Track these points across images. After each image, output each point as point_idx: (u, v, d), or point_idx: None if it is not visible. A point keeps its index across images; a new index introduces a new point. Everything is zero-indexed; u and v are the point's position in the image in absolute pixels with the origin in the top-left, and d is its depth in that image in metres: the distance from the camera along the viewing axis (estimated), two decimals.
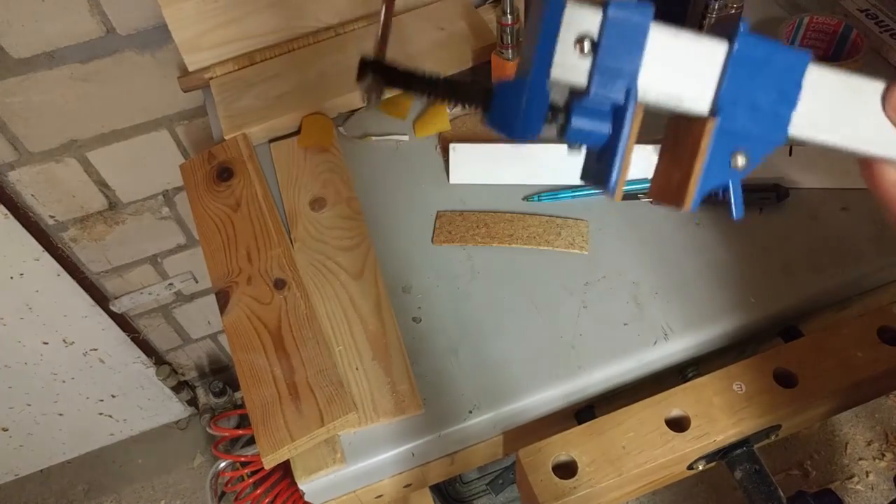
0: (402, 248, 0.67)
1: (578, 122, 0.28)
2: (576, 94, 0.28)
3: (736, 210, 0.29)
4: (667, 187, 0.29)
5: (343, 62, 0.80)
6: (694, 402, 0.54)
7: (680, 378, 0.61)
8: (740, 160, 0.28)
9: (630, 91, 0.27)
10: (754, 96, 0.28)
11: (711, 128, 0.28)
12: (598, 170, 0.29)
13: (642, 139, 0.29)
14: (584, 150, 0.30)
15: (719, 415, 0.54)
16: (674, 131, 0.30)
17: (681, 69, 0.27)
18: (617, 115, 0.28)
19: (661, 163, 0.30)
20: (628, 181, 0.68)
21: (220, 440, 1.21)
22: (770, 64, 0.27)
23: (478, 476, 1.22)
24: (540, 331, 0.60)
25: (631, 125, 0.28)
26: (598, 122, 0.28)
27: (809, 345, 0.57)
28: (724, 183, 0.29)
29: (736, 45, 0.27)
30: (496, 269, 0.64)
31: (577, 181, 0.69)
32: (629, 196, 0.67)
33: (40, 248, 1.04)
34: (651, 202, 0.32)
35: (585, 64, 0.27)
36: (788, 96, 0.28)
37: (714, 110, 0.28)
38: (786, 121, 0.28)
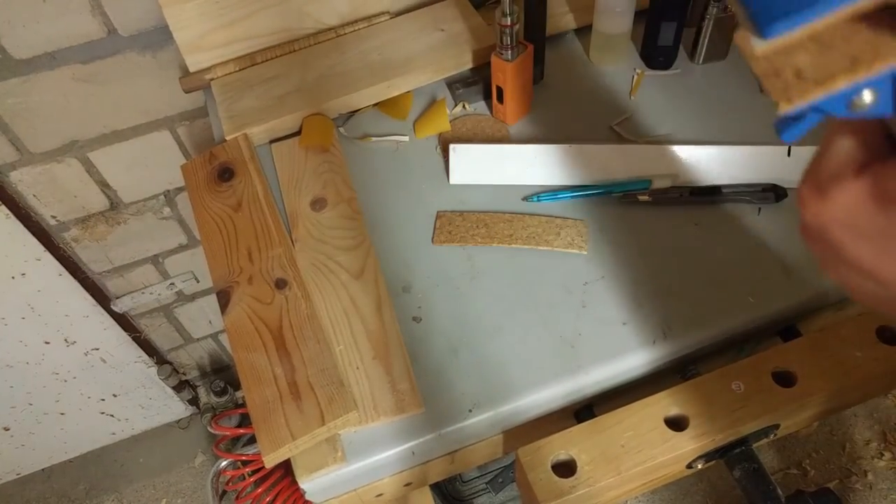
0: (402, 248, 0.67)
1: None
2: None
3: (788, 136, 0.24)
4: (782, 64, 0.22)
5: (343, 63, 0.81)
6: (693, 402, 0.55)
7: (679, 377, 0.61)
8: (867, 99, 0.22)
9: None
10: None
11: None
12: None
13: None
14: None
15: (718, 414, 0.54)
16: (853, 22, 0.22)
17: None
18: None
19: (803, 37, 0.22)
20: (628, 181, 0.68)
21: (221, 439, 1.22)
22: None
23: (478, 475, 1.22)
24: (540, 330, 0.60)
25: None
26: None
27: (808, 344, 0.57)
28: (827, 110, 0.23)
29: None
30: (496, 269, 0.65)
31: (577, 181, 0.70)
32: (629, 196, 0.68)
33: (42, 248, 1.05)
34: (752, 71, 0.22)
35: None
36: None
37: None
38: None
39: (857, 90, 0.22)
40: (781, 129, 0.24)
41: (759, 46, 0.21)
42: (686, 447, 0.53)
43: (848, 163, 0.27)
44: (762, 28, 0.21)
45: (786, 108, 0.22)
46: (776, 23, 0.20)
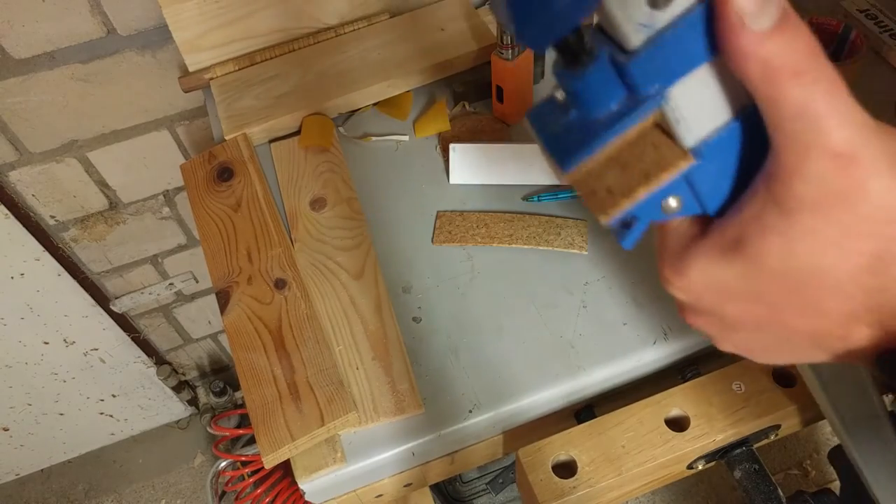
0: (402, 248, 0.67)
1: (598, 76, 0.24)
2: (612, 46, 0.24)
3: (626, 243, 0.28)
4: (596, 185, 0.26)
5: (343, 62, 0.81)
6: (693, 402, 0.54)
7: (679, 378, 0.61)
8: (673, 203, 0.26)
9: (666, 88, 0.24)
10: (737, 163, 0.26)
11: (683, 166, 0.25)
12: (565, 137, 0.25)
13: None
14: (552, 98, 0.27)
15: (718, 414, 0.54)
16: (640, 135, 0.26)
17: (703, 99, 0.25)
18: (630, 101, 0.24)
19: (603, 151, 0.26)
20: None
21: (220, 440, 1.22)
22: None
23: (478, 475, 1.22)
24: (540, 330, 0.60)
25: (638, 121, 0.24)
26: (613, 93, 0.24)
27: None
28: (646, 217, 0.27)
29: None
30: (496, 269, 0.64)
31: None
32: None
33: (41, 248, 1.05)
34: (569, 192, 0.27)
35: (649, 17, 0.22)
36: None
37: (697, 151, 0.25)
38: (724, 197, 0.27)
39: (661, 196, 0.26)
40: (619, 238, 0.28)
41: (565, 177, 0.27)
42: (687, 448, 0.52)
43: (688, 234, 0.28)
44: (561, 165, 0.26)
45: (605, 220, 0.27)
46: (568, 159, 0.26)
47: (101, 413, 1.47)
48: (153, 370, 1.40)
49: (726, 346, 0.32)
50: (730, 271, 0.27)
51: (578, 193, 0.27)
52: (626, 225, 0.27)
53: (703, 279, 0.28)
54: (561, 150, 0.26)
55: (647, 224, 0.27)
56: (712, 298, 0.28)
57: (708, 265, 0.27)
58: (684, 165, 0.25)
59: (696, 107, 0.25)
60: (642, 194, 0.25)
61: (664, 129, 0.25)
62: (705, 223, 0.28)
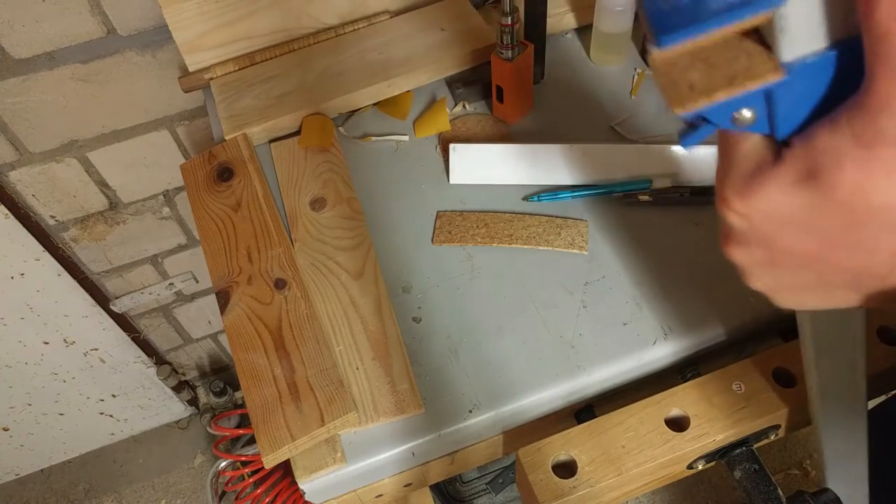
0: (402, 248, 0.67)
1: None
2: None
3: (688, 142, 0.28)
4: (678, 77, 0.27)
5: (343, 62, 0.81)
6: (693, 402, 0.54)
7: (679, 378, 0.61)
8: (747, 115, 0.27)
9: None
10: (820, 94, 0.26)
11: (771, 79, 0.25)
12: (673, 15, 0.25)
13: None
14: None
15: (719, 414, 0.54)
16: (738, 39, 0.26)
17: (813, 17, 0.25)
18: None
19: (698, 44, 0.26)
20: (629, 181, 0.68)
21: (220, 440, 1.22)
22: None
23: (478, 475, 1.22)
24: (540, 330, 0.60)
25: (749, 16, 0.24)
26: None
27: None
28: (716, 121, 0.27)
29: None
30: (496, 269, 0.64)
31: (577, 181, 0.70)
32: (629, 196, 0.68)
33: (41, 248, 1.05)
34: (647, 64, 0.26)
35: None
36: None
37: (790, 68, 0.25)
38: (796, 124, 0.27)
39: (737, 106, 0.27)
40: (682, 137, 0.28)
41: (657, 54, 0.26)
42: (686, 448, 0.52)
43: (758, 159, 0.28)
44: (658, 39, 0.26)
45: (678, 112, 0.27)
46: (668, 35, 0.25)
47: (101, 413, 1.47)
48: (153, 370, 1.40)
49: (758, 282, 0.31)
50: (798, 201, 0.26)
51: (658, 81, 0.27)
52: (692, 126, 0.28)
53: (768, 206, 0.27)
54: (665, 25, 0.26)
55: (714, 130, 0.28)
56: (769, 227, 0.28)
57: (777, 192, 0.27)
58: (772, 79, 0.25)
59: (805, 22, 0.25)
60: (722, 97, 0.26)
61: (763, 39, 0.26)
62: (777, 150, 0.28)
